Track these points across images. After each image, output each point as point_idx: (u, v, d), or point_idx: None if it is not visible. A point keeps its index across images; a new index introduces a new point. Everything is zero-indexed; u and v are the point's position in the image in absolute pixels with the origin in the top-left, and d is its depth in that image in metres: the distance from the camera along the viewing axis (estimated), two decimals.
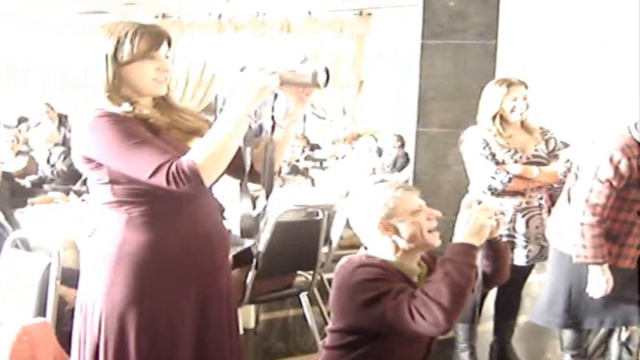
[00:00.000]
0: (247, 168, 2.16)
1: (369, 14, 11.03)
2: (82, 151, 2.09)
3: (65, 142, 7.23)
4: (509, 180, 3.60)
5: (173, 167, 1.93)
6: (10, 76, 12.34)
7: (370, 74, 11.10)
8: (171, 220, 2.15)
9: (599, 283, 3.19)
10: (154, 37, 2.11)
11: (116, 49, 2.07)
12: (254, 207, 2.23)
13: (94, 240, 2.21)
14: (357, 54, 11.20)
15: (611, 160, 3.10)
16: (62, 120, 7.43)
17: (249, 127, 2.04)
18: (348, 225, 4.03)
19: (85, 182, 5.77)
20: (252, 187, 2.23)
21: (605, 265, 3.17)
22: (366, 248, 2.41)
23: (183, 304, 2.18)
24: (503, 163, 3.65)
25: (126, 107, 2.08)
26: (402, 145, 9.44)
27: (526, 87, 3.73)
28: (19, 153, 7.45)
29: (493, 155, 3.66)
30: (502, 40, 5.03)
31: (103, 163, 2.06)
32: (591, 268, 3.20)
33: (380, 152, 9.34)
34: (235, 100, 1.99)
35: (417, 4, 5.08)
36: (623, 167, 3.08)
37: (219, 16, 11.15)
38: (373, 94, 11.08)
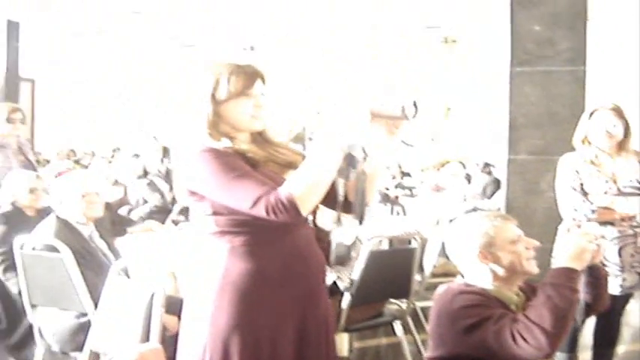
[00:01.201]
0: (341, 199, 2.26)
1: (454, 41, 11.11)
2: (186, 184, 2.23)
3: (168, 174, 7.50)
4: (593, 212, 3.57)
5: (272, 199, 2.04)
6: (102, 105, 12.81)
7: (457, 101, 11.15)
8: (271, 249, 2.24)
9: None
10: (248, 76, 2.25)
11: (214, 89, 2.22)
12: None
13: (197, 268, 2.34)
14: (444, 81, 11.29)
15: None
16: (166, 152, 7.71)
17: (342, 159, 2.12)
18: (441, 253, 4.08)
19: (181, 212, 5.99)
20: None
21: None
22: (463, 277, 2.45)
23: (284, 330, 2.27)
24: (588, 193, 3.63)
25: (226, 143, 2.22)
26: (490, 172, 9.37)
27: (617, 112, 3.68)
28: (115, 183, 7.74)
29: (581, 185, 3.64)
30: (591, 66, 4.99)
31: (206, 195, 2.19)
32: None
33: (469, 179, 9.30)
34: (328, 133, 2.08)
35: (504, 29, 5.10)
36: None
37: None
38: (461, 121, 11.07)
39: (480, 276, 2.39)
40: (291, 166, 2.30)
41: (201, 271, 2.31)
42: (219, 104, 2.23)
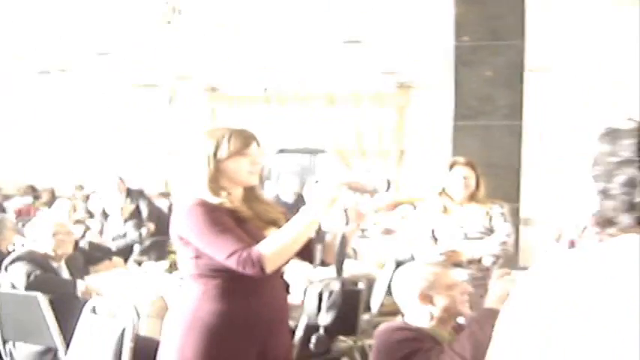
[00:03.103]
0: (317, 262, 2.57)
1: (409, 87, 11.50)
2: (178, 230, 2.56)
3: (138, 215, 7.72)
4: (441, 254, 4.02)
5: (244, 254, 2.38)
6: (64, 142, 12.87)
7: (411, 145, 11.48)
8: (240, 294, 2.55)
9: None
10: (245, 138, 2.62)
11: (216, 149, 2.57)
12: None
13: (175, 306, 2.68)
14: (398, 125, 11.65)
15: None
16: (132, 194, 7.92)
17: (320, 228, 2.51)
18: (388, 293, 4.40)
19: (143, 252, 6.22)
20: None
21: None
22: (403, 315, 2.80)
23: None
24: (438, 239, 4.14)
25: (222, 198, 2.55)
26: None
27: (471, 166, 4.18)
28: (76, 222, 7.91)
29: (432, 231, 4.16)
30: (528, 120, 5.43)
31: (191, 242, 2.51)
32: None
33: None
34: (310, 207, 2.47)
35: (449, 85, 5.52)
36: None
37: (265, 89, 11.75)
38: (414, 164, 11.41)
39: (418, 316, 2.72)
40: (275, 223, 2.65)
41: (177, 308, 2.64)
42: (220, 162, 2.57)
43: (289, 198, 8.18)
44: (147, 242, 7.00)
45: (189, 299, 2.58)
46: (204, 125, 12.06)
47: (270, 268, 2.40)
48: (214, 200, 2.54)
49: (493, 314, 2.55)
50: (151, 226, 7.49)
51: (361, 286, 4.45)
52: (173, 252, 5.84)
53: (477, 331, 2.51)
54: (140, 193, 8.05)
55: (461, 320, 2.82)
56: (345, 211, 2.54)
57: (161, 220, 7.20)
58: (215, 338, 2.53)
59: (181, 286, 2.73)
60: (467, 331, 2.55)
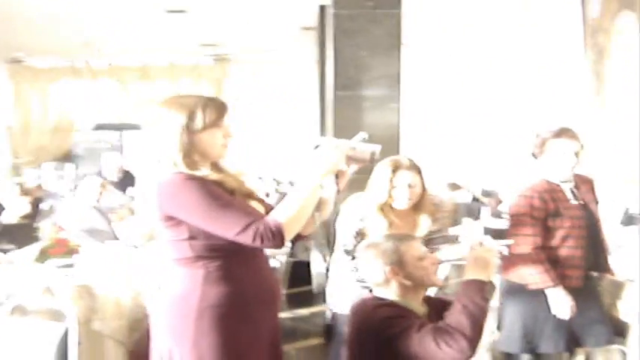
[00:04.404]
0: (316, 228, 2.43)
1: (227, 60, 11.29)
2: (166, 209, 2.28)
3: None
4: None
5: (261, 226, 2.18)
6: None
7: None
8: (244, 271, 2.37)
9: (562, 303, 3.53)
10: (219, 108, 2.39)
11: (190, 120, 2.32)
12: None
13: (167, 295, 2.38)
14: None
15: (525, 197, 3.62)
16: None
17: None
18: None
19: (10, 240, 5.49)
20: None
21: (560, 287, 3.53)
22: (370, 291, 2.69)
23: (262, 345, 2.42)
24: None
25: (205, 171, 2.32)
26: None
27: (416, 169, 3.61)
28: None
29: (360, 229, 3.61)
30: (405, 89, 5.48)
31: (187, 221, 2.26)
32: (550, 292, 3.54)
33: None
34: (311, 172, 2.29)
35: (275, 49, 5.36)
36: (537, 202, 3.58)
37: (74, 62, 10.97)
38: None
39: (390, 290, 2.59)
40: (251, 195, 2.48)
41: (173, 297, 2.36)
42: (194, 134, 2.32)
43: (114, 176, 7.75)
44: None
45: (188, 288, 2.33)
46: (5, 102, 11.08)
47: (289, 237, 2.25)
48: (199, 173, 2.31)
49: (477, 284, 2.51)
50: None
51: None
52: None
53: (469, 304, 2.44)
54: None
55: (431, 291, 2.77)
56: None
57: None
58: (231, 323, 2.34)
59: (168, 273, 2.41)
60: (458, 306, 2.47)
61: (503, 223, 4.20)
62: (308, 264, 6.18)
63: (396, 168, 3.54)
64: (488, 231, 4.16)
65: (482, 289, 2.52)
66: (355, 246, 3.37)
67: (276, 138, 10.99)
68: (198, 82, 11.33)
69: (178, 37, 9.93)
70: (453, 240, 3.85)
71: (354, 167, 2.41)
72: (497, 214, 5.40)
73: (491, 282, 2.58)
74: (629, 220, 5.10)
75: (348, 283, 3.56)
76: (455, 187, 7.12)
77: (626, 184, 5.42)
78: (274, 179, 9.16)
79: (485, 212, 5.70)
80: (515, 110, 7.44)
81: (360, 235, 3.54)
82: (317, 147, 2.32)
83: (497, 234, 3.90)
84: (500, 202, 6.19)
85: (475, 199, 6.96)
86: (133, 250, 4.68)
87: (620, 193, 5.30)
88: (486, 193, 7.04)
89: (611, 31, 5.89)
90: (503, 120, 7.66)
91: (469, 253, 2.62)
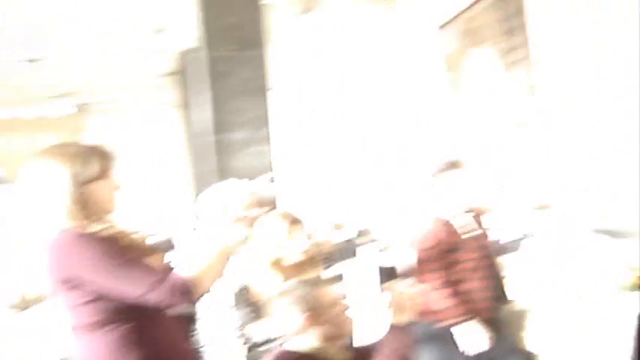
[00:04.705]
0: None
1: (87, 109, 11.07)
2: (63, 272, 2.02)
3: None
4: None
5: (167, 284, 1.97)
6: None
7: None
8: (158, 333, 2.14)
9: (478, 336, 3.43)
10: (107, 157, 2.16)
11: (77, 172, 2.07)
12: None
13: None
14: None
15: (426, 233, 3.56)
16: None
17: None
18: None
19: None
20: None
21: (473, 321, 3.43)
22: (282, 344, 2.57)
23: None
24: None
25: (96, 227, 2.07)
26: None
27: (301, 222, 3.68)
28: None
29: None
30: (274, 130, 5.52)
31: (86, 281, 2.00)
32: (463, 327, 3.43)
33: None
34: (217, 221, 2.12)
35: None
36: (439, 236, 3.52)
37: None
38: None
39: (304, 339, 2.50)
40: (149, 252, 2.20)
41: None
42: (83, 186, 2.08)
43: None
44: None
45: (100, 357, 2.05)
46: None
47: (200, 293, 2.01)
48: (89, 230, 2.04)
49: (400, 328, 2.56)
50: None
51: None
52: None
53: (400, 347, 2.51)
54: None
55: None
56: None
57: None
58: None
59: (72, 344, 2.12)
60: (386, 351, 2.51)
61: (395, 261, 4.22)
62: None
63: (292, 222, 3.51)
64: (382, 271, 4.17)
65: (406, 331, 2.56)
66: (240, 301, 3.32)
67: (146, 187, 10.78)
68: (60, 134, 10.97)
69: (41, 87, 9.67)
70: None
71: (260, 210, 2.21)
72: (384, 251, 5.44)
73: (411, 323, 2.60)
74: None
75: (227, 342, 3.45)
76: (337, 226, 7.16)
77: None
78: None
79: (370, 251, 5.76)
80: (390, 147, 7.55)
81: (245, 290, 3.44)
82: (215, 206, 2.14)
83: (391, 273, 3.96)
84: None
85: (350, 240, 7.00)
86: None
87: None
88: (361, 233, 7.09)
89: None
90: (380, 157, 7.75)
91: (386, 299, 2.60)
